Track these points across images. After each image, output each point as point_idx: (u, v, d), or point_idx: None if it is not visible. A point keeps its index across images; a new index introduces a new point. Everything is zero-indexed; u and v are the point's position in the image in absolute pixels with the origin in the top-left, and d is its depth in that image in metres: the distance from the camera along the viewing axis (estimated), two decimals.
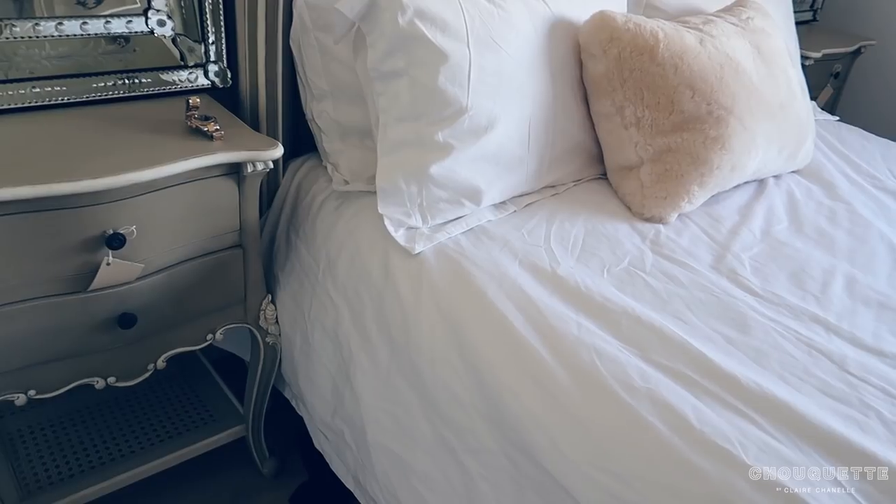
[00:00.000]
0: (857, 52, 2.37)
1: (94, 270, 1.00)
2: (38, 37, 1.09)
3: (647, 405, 0.85)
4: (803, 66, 2.04)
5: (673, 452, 0.80)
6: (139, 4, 1.18)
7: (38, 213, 0.94)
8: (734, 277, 1.13)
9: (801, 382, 0.91)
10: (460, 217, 1.19)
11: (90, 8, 1.12)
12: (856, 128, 1.88)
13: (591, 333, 0.96)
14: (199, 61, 1.27)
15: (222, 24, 1.26)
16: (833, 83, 2.32)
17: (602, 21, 1.28)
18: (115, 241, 0.99)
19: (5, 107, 1.10)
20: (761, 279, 1.13)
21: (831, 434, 0.82)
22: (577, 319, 0.98)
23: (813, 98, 2.10)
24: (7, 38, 1.07)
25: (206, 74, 1.28)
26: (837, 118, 1.96)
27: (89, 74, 1.16)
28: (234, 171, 1.10)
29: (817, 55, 2.13)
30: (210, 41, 1.26)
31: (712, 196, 1.35)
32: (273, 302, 1.29)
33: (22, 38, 1.08)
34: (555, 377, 0.90)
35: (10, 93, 1.10)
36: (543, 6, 1.27)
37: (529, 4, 1.24)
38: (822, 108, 2.17)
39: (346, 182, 1.28)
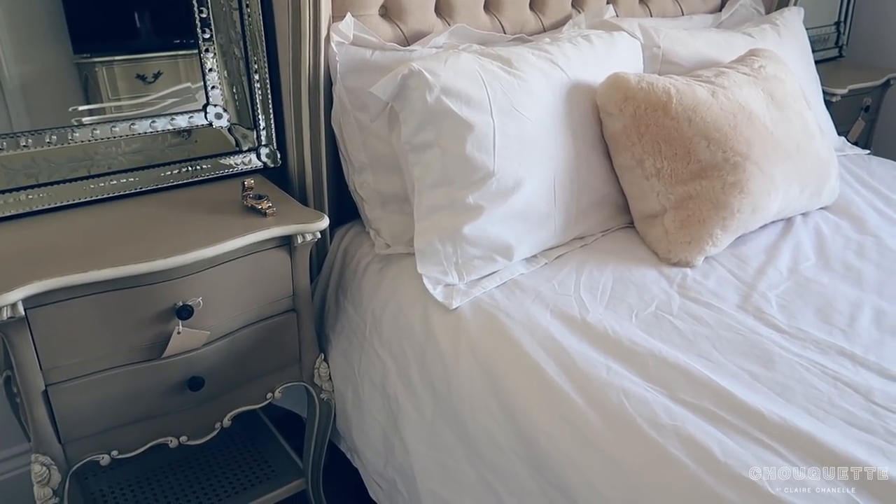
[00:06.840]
0: (887, 83, 2.39)
1: (167, 339, 1.13)
2: (115, 137, 1.25)
3: (673, 441, 0.90)
4: (829, 103, 2.08)
5: (699, 485, 0.84)
6: (198, 101, 1.34)
7: (119, 290, 1.07)
8: (760, 315, 1.17)
9: (826, 414, 0.95)
10: (494, 272, 1.27)
11: (149, 83, 1.27)
12: (888, 160, 1.90)
13: (620, 376, 1.02)
14: (252, 146, 1.41)
15: (271, 111, 1.40)
16: (865, 116, 2.34)
17: (616, 82, 1.37)
18: (185, 312, 1.11)
19: (88, 199, 1.26)
20: (787, 316, 1.17)
21: (856, 463, 0.85)
22: (605, 363, 1.04)
23: (843, 133, 2.13)
24: (89, 140, 1.23)
25: (258, 157, 1.42)
26: (868, 152, 1.97)
27: (158, 165, 1.32)
28: (286, 242, 1.22)
29: (843, 91, 2.17)
30: (261, 127, 1.40)
31: (738, 238, 1.40)
32: (325, 360, 1.39)
33: (101, 139, 1.24)
34: (586, 418, 0.96)
35: (93, 186, 1.26)
36: (560, 72, 1.37)
37: (546, 72, 1.35)
38: (855, 143, 2.18)
39: (388, 245, 1.38)
